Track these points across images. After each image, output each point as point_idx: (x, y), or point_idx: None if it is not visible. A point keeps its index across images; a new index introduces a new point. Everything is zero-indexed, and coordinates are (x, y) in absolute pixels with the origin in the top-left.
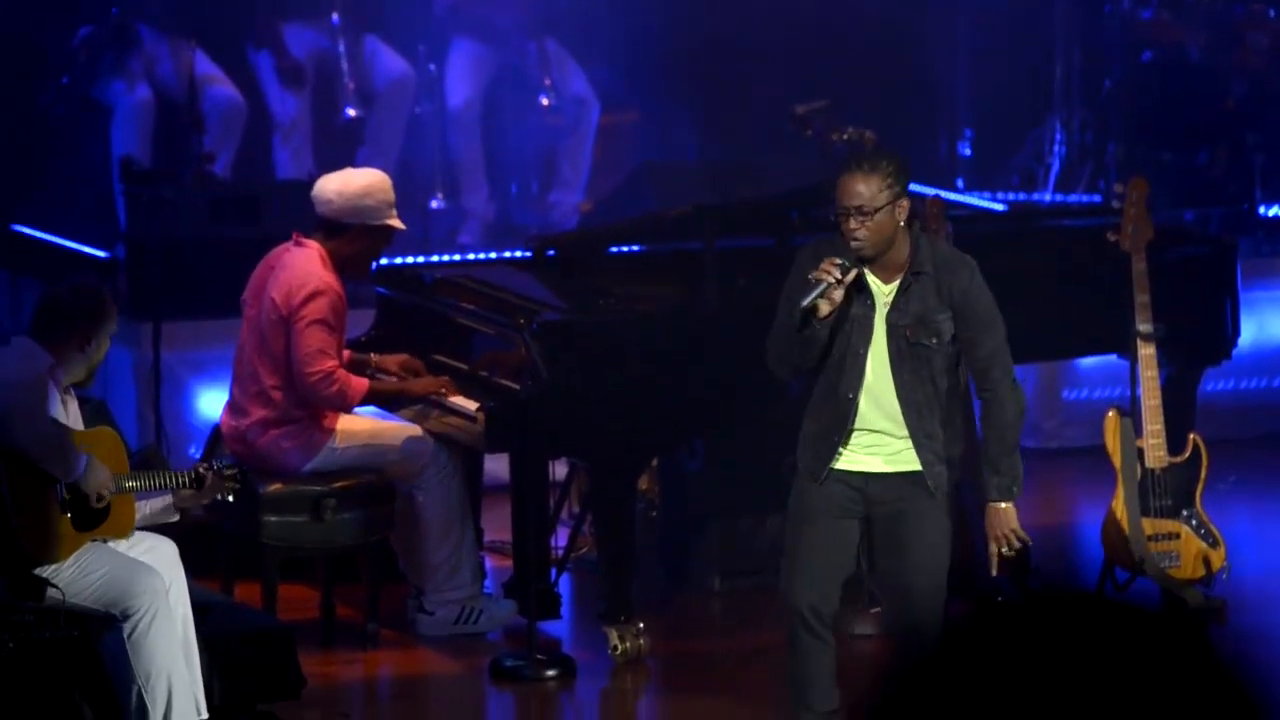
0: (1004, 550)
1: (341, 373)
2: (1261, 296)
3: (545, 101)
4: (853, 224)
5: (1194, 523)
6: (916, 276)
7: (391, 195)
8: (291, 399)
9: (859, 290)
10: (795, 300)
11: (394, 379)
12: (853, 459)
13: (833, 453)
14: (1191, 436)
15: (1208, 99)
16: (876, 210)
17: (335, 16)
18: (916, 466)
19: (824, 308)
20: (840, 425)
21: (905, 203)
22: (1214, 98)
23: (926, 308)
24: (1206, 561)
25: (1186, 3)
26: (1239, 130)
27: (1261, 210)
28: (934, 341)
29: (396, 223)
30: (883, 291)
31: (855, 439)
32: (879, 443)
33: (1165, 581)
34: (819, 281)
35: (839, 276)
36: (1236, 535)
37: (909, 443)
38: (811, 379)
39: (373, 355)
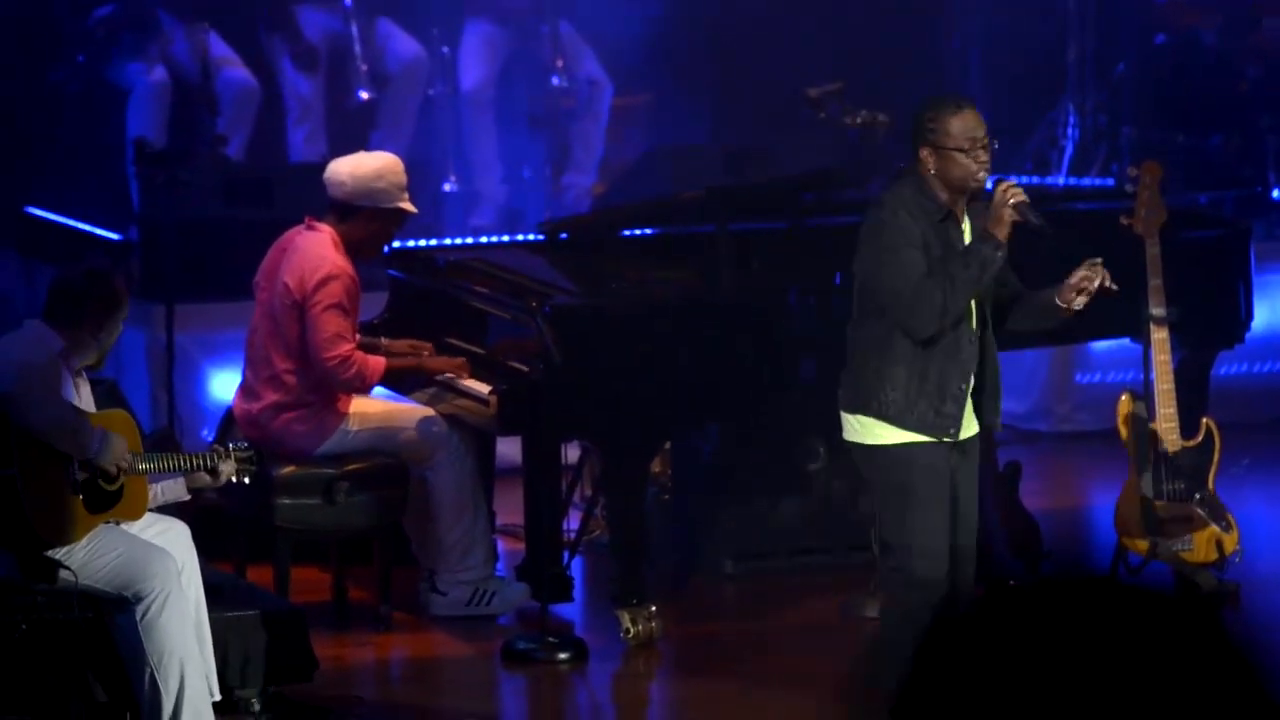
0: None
1: (359, 355)
2: (1274, 280)
3: (557, 84)
4: (983, 155)
5: (1207, 506)
6: (972, 208)
7: (403, 178)
8: (304, 383)
9: (957, 225)
10: (977, 244)
11: (410, 358)
12: (965, 425)
13: (961, 406)
14: (1205, 420)
15: (1221, 82)
16: (988, 144)
17: (347, 1)
18: (978, 424)
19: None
20: (965, 373)
21: None
22: (1228, 81)
23: None
24: (1219, 545)
25: None
26: (1253, 113)
27: (1275, 194)
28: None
29: (408, 205)
30: (964, 229)
31: (970, 395)
32: (972, 399)
33: (1178, 565)
34: (1025, 202)
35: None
36: (1250, 519)
37: (987, 389)
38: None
39: (382, 339)
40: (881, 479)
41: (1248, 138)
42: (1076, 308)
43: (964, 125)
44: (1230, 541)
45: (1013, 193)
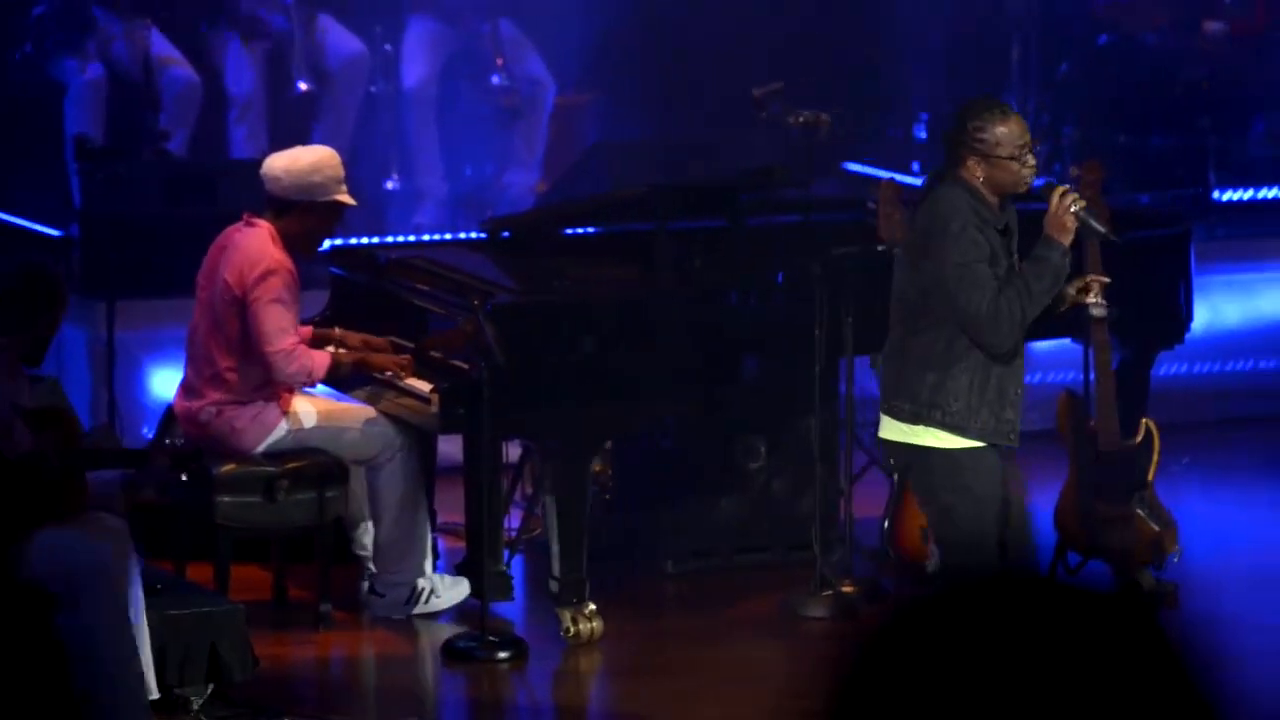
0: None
1: (303, 349)
2: (1215, 280)
3: (499, 82)
4: (1031, 160)
5: (1146, 506)
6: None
7: (340, 172)
8: (245, 380)
9: (1010, 233)
10: (1042, 253)
11: (355, 353)
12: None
13: (1019, 411)
14: (1144, 420)
15: (1163, 83)
16: None
17: None
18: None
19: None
20: (1018, 378)
21: None
22: (1169, 82)
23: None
24: (1158, 545)
25: None
26: (1194, 114)
27: (1215, 194)
28: None
29: (346, 198)
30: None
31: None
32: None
33: (1117, 564)
34: (1086, 206)
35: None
36: (1189, 519)
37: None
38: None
39: (336, 330)
40: (939, 481)
41: (1189, 138)
42: (1060, 309)
43: (1011, 132)
44: (1169, 541)
45: (1073, 198)
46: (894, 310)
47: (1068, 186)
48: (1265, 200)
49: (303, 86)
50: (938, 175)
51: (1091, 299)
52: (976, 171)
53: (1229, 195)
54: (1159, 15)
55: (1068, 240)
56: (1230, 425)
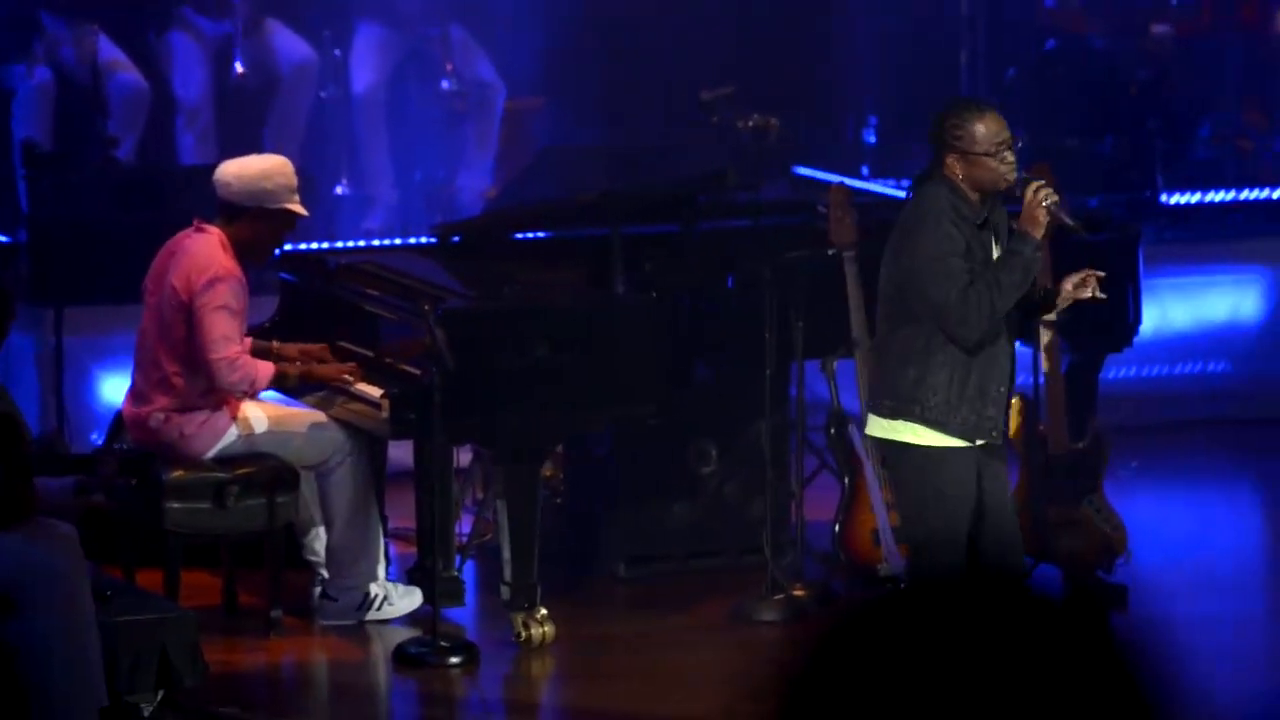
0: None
1: (246, 358)
2: (1163, 284)
3: (449, 87)
4: (1009, 156)
5: (1096, 509)
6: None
7: (293, 180)
8: (193, 386)
9: (990, 229)
10: (1016, 248)
11: (298, 364)
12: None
13: (1001, 408)
14: (1093, 423)
15: (1111, 86)
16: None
17: None
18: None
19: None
20: (1003, 376)
21: None
22: (1117, 85)
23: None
24: (1108, 548)
25: None
26: (1142, 117)
27: (1164, 197)
28: None
29: (297, 207)
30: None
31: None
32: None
33: (1068, 567)
34: (1058, 202)
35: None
36: (1138, 522)
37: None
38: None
39: (274, 343)
40: (913, 479)
41: (1137, 142)
42: (1059, 307)
43: (988, 129)
44: (1119, 544)
45: (1045, 193)
46: (879, 308)
47: (1042, 181)
48: (1213, 203)
49: (239, 69)
50: (923, 174)
51: (1089, 293)
52: (956, 169)
53: (1177, 198)
54: (1105, 18)
55: (1039, 234)
56: (1179, 428)
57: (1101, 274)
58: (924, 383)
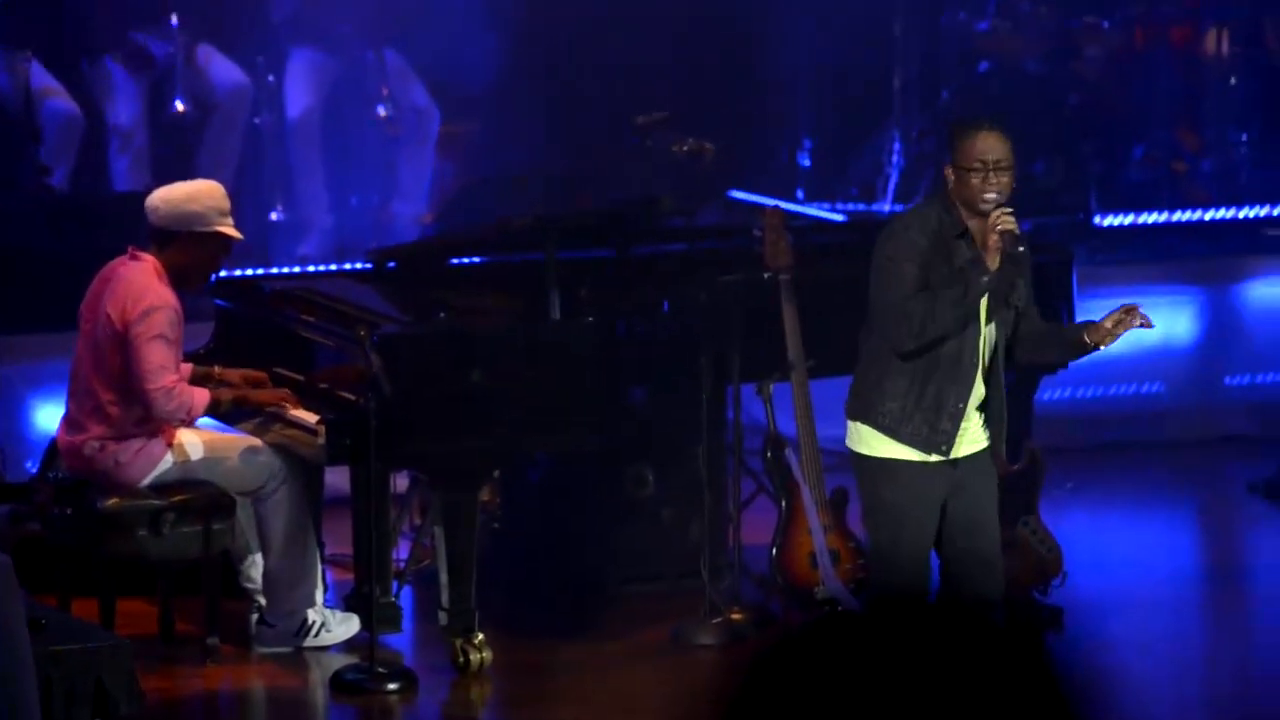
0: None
1: (182, 386)
2: (1096, 305)
3: (383, 113)
4: (991, 179)
5: (1031, 531)
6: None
7: (224, 203)
8: (129, 414)
9: (973, 245)
10: (967, 266)
11: (234, 390)
12: (960, 444)
13: (957, 424)
14: (1028, 445)
15: (1044, 109)
16: (1010, 168)
17: (174, 19)
18: (988, 441)
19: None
20: (964, 392)
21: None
22: (1050, 108)
23: (1011, 273)
24: (1043, 569)
25: (1022, 14)
26: (1075, 140)
27: (1097, 219)
28: (1019, 305)
29: (229, 230)
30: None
31: (967, 415)
32: (974, 418)
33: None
34: (1011, 232)
35: (1017, 226)
36: (1073, 543)
37: (983, 413)
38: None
39: (216, 368)
40: (869, 490)
41: (1070, 164)
42: (1104, 346)
43: (977, 147)
44: (1054, 565)
45: (1003, 221)
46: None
47: (1008, 211)
48: (1146, 225)
49: (180, 107)
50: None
51: (1137, 322)
52: (949, 180)
53: (1111, 220)
54: (1038, 42)
55: (990, 261)
56: (1114, 449)
57: (1135, 305)
58: (881, 387)
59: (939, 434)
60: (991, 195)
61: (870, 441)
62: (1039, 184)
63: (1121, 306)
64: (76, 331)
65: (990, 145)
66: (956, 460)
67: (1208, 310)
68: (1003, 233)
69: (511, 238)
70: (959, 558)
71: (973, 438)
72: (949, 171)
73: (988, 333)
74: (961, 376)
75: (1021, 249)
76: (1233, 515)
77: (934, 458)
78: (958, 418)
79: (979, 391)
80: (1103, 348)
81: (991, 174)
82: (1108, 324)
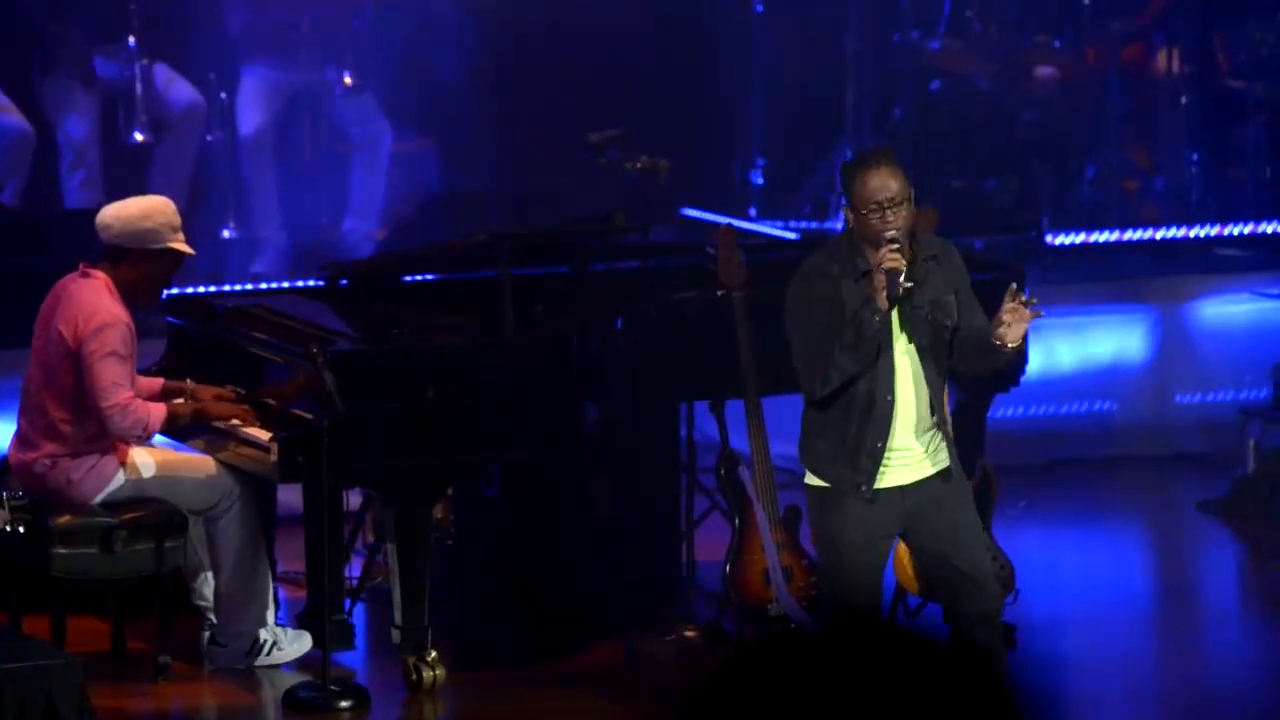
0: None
1: (138, 402)
2: (1048, 323)
3: (335, 129)
4: (889, 216)
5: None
6: (927, 262)
7: (175, 219)
8: (81, 432)
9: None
10: (859, 305)
11: (191, 403)
12: (895, 473)
13: (877, 462)
14: (981, 463)
15: (996, 128)
16: (904, 201)
17: (132, 40)
18: (946, 462)
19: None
20: (882, 431)
21: (911, 191)
22: (1002, 127)
23: (938, 290)
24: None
25: (974, 33)
26: (1027, 159)
27: (1049, 238)
28: (949, 322)
29: (182, 246)
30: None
31: (894, 447)
32: (913, 447)
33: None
34: (892, 270)
35: (903, 264)
36: (1026, 561)
37: (937, 434)
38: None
39: (189, 382)
40: (812, 517)
41: (1022, 182)
42: (1011, 342)
43: (869, 186)
44: (1006, 583)
45: (887, 259)
46: None
47: (895, 247)
48: (1097, 244)
49: (139, 137)
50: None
51: (898, 262)
52: (850, 220)
53: (1062, 239)
54: (990, 60)
55: (879, 300)
56: (1066, 467)
57: (1012, 285)
58: (812, 427)
59: (860, 473)
60: (891, 233)
61: (809, 473)
62: (991, 202)
63: (1005, 304)
64: (27, 349)
65: (881, 183)
66: (905, 489)
67: (1159, 329)
68: (888, 272)
69: (465, 254)
70: (945, 580)
71: (917, 465)
72: (847, 211)
73: (908, 363)
74: (878, 416)
75: (909, 284)
76: (1183, 533)
77: (869, 493)
78: (877, 456)
79: (908, 421)
80: (1009, 343)
81: (888, 212)
82: (1003, 319)
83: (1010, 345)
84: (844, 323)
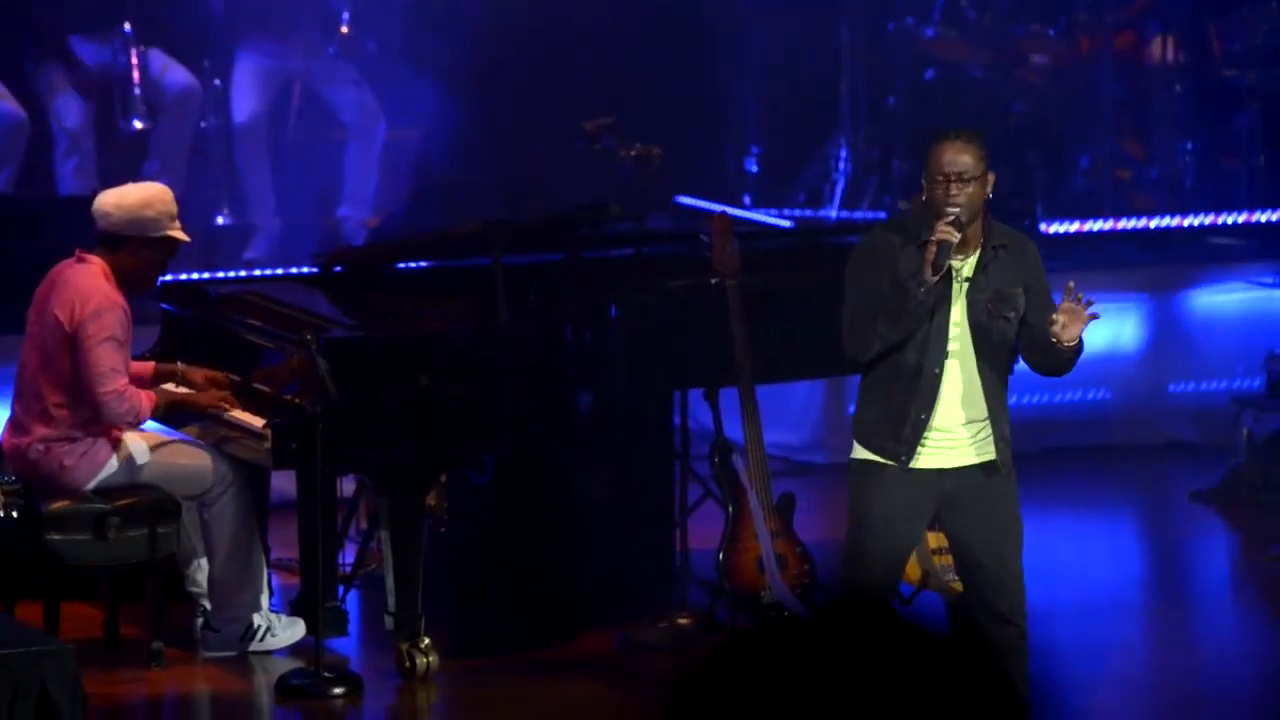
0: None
1: (132, 389)
2: None
3: (329, 116)
4: (953, 190)
5: None
6: (997, 251)
7: (173, 207)
8: (75, 416)
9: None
10: (909, 274)
11: (183, 390)
12: (936, 455)
13: (920, 434)
14: None
15: (990, 116)
16: (974, 179)
17: (127, 27)
18: (991, 454)
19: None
20: (926, 404)
21: (992, 177)
22: (996, 115)
23: (1005, 282)
24: None
25: (969, 22)
26: (1021, 147)
27: (1042, 227)
28: (1011, 315)
29: (178, 234)
30: (959, 266)
31: (937, 426)
32: (958, 432)
33: (949, 595)
34: (943, 242)
35: (956, 237)
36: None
37: (986, 425)
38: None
39: (179, 364)
40: (850, 493)
41: (1017, 171)
42: (1068, 341)
43: (942, 159)
44: None
45: (940, 231)
46: None
47: (949, 220)
48: (1091, 232)
49: (138, 125)
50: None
51: (949, 236)
52: (924, 189)
53: (1056, 227)
54: (984, 49)
55: (926, 271)
56: (1059, 455)
57: (1071, 285)
58: (862, 397)
59: (901, 444)
60: (954, 208)
61: (854, 443)
62: None
63: (1062, 304)
64: (21, 335)
65: (953, 157)
66: (944, 471)
67: (1153, 317)
68: (938, 243)
69: (459, 242)
70: (971, 574)
71: (960, 451)
72: (924, 180)
73: (961, 346)
74: (924, 388)
75: (956, 258)
76: (1176, 521)
77: (917, 465)
78: (920, 428)
79: (954, 402)
80: (1065, 343)
81: (953, 185)
82: (1059, 320)
83: (1067, 344)
84: (892, 289)
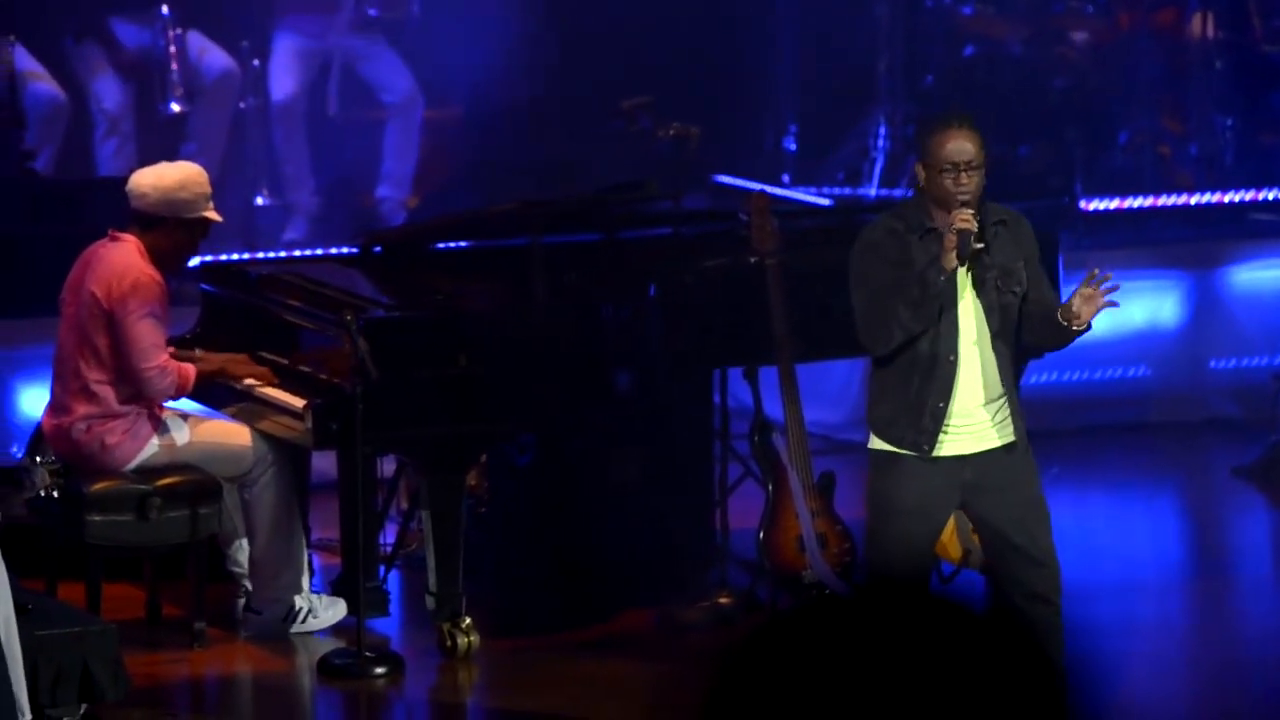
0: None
1: (173, 364)
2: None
3: (368, 96)
4: (963, 179)
5: None
6: (997, 228)
7: (208, 188)
8: (117, 394)
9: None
10: (926, 265)
11: (218, 357)
12: (958, 441)
13: (940, 423)
14: None
15: (1029, 93)
16: (980, 166)
17: (165, 9)
18: (1011, 435)
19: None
20: (944, 392)
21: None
22: (1035, 92)
23: (1007, 257)
24: None
25: None
26: (1060, 124)
27: (1082, 203)
28: (1018, 289)
29: (213, 215)
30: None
31: (957, 412)
32: (978, 415)
33: (989, 573)
34: (964, 231)
35: (975, 225)
36: (1058, 527)
37: (1004, 402)
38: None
39: (197, 350)
40: (868, 480)
41: (1056, 148)
42: (1077, 327)
43: (947, 148)
44: None
45: (960, 220)
46: None
47: (968, 210)
48: (1130, 209)
49: (176, 108)
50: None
51: (969, 225)
52: (920, 178)
53: (1095, 204)
54: (1023, 25)
55: (945, 259)
56: (1099, 433)
57: (1094, 270)
58: (875, 389)
59: (922, 433)
60: (964, 197)
61: (872, 434)
62: (1024, 168)
63: (1081, 286)
64: (58, 316)
65: (960, 146)
66: (966, 458)
67: (1193, 294)
68: (959, 232)
69: (497, 222)
70: (1003, 556)
71: (981, 435)
72: (919, 169)
73: (973, 328)
74: (941, 376)
75: (979, 246)
76: (1217, 499)
77: (939, 454)
78: (939, 416)
79: (972, 386)
80: (1077, 328)
81: (963, 174)
82: (1075, 302)
83: (1078, 327)
84: (909, 279)
